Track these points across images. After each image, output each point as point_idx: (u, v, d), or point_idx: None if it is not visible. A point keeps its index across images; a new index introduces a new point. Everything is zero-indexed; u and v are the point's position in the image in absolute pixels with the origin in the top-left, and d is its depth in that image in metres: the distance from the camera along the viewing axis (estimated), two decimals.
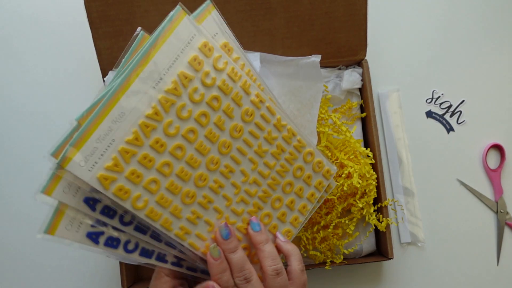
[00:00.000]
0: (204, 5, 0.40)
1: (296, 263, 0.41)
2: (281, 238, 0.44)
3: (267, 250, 0.40)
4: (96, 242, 0.37)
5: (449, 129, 0.66)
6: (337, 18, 0.56)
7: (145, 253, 0.39)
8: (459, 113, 0.66)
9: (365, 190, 0.56)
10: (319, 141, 0.55)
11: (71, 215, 0.36)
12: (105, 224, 0.37)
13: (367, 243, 0.60)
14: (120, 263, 0.56)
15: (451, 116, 0.66)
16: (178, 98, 0.37)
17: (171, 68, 0.36)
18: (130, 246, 0.39)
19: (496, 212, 0.64)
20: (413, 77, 0.67)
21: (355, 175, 0.54)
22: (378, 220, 0.57)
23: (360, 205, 0.55)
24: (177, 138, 0.37)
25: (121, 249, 0.38)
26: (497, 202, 0.64)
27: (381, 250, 0.60)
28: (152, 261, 0.40)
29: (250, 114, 0.41)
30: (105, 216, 0.37)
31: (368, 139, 0.61)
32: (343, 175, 0.54)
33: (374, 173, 0.56)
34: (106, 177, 0.34)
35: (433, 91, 0.66)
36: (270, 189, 0.43)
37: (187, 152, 0.38)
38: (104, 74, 0.56)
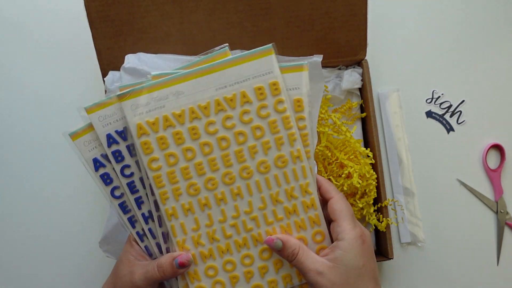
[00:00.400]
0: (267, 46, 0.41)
1: None
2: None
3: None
4: (96, 168, 0.42)
5: (449, 129, 0.66)
6: (337, 18, 0.56)
7: (124, 207, 0.43)
8: (459, 113, 0.66)
9: (365, 190, 0.56)
10: (319, 141, 0.55)
11: (93, 137, 0.41)
12: (108, 161, 0.42)
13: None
14: None
15: (451, 116, 0.66)
16: (230, 109, 0.41)
17: (237, 84, 0.40)
18: (117, 193, 0.42)
19: (496, 212, 0.64)
20: (413, 77, 0.67)
21: (355, 175, 0.54)
22: (378, 220, 0.57)
23: (360, 205, 0.55)
24: (210, 137, 0.41)
25: (109, 189, 0.42)
26: (497, 202, 0.64)
27: (381, 250, 0.60)
28: (124, 218, 0.43)
29: (283, 161, 0.42)
30: (113, 156, 0.41)
31: (368, 139, 0.61)
32: (343, 175, 0.54)
33: (374, 173, 0.56)
34: (141, 127, 0.40)
35: (433, 91, 0.66)
36: (261, 235, 0.42)
37: (212, 153, 0.41)
38: (104, 74, 0.56)
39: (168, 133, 0.40)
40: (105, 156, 0.42)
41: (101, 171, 0.42)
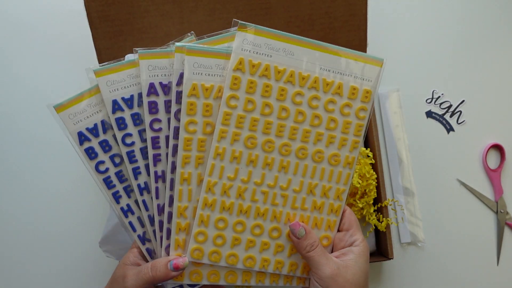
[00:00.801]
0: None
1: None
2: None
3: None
4: (80, 142, 0.41)
5: (449, 129, 0.66)
6: (337, 18, 0.56)
7: (108, 183, 0.42)
8: (459, 113, 0.66)
9: (365, 190, 0.56)
10: None
11: (78, 110, 0.41)
12: (94, 135, 0.41)
13: (367, 243, 0.60)
14: None
15: (451, 116, 0.66)
16: (321, 92, 0.41)
17: (340, 74, 0.42)
18: (101, 167, 0.42)
19: (496, 212, 0.64)
20: (413, 77, 0.67)
21: (355, 175, 0.54)
22: (378, 220, 0.57)
23: (360, 205, 0.55)
24: (292, 105, 0.41)
25: (93, 164, 0.42)
26: (497, 202, 0.64)
27: (381, 250, 0.60)
28: (109, 193, 0.42)
29: (335, 160, 0.43)
30: (117, 123, 0.41)
31: (368, 139, 0.61)
32: None
33: (374, 173, 0.56)
34: (241, 63, 0.40)
35: (433, 91, 0.66)
36: (281, 214, 0.43)
37: (285, 120, 0.41)
38: None
39: (260, 80, 0.40)
40: (91, 130, 0.41)
41: (86, 145, 0.41)
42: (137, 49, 0.41)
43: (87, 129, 0.41)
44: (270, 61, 0.40)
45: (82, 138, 0.41)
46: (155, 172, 0.42)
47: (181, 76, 0.40)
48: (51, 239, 0.64)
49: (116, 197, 0.43)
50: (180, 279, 0.42)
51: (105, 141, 0.42)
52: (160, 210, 0.42)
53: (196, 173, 0.41)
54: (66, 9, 0.66)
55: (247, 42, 0.40)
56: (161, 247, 0.43)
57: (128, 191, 0.43)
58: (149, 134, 0.41)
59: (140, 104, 0.42)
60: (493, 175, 0.64)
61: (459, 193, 0.65)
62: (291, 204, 0.42)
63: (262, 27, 0.40)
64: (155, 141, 0.42)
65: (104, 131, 0.41)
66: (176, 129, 0.41)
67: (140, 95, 0.42)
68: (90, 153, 0.42)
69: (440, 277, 0.63)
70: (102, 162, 0.42)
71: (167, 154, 0.42)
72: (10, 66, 0.66)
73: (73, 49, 0.66)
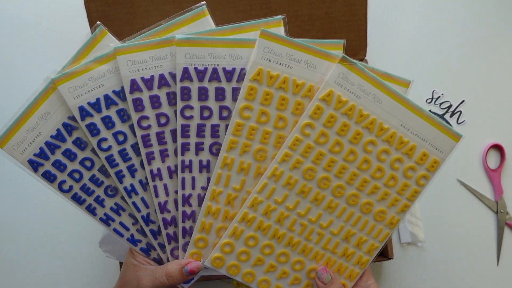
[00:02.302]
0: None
1: None
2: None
3: None
4: (35, 169, 0.40)
5: None
6: (337, 18, 0.56)
7: (78, 198, 0.41)
8: (459, 113, 0.66)
9: None
10: None
11: (21, 137, 0.39)
12: (45, 158, 0.40)
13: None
14: (120, 263, 0.56)
15: (451, 116, 0.66)
16: (390, 145, 0.40)
17: (416, 136, 0.41)
18: (65, 186, 0.41)
19: (496, 212, 0.64)
20: (413, 77, 0.66)
21: None
22: None
23: None
24: (352, 145, 0.40)
25: (56, 185, 0.41)
26: (497, 202, 0.64)
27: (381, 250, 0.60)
28: (82, 208, 0.42)
29: (380, 217, 0.42)
30: (76, 146, 0.41)
31: None
32: None
33: None
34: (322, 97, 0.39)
35: (433, 91, 0.66)
36: (311, 251, 0.43)
37: (338, 159, 0.41)
38: None
39: (341, 116, 0.39)
40: (39, 155, 0.40)
41: (41, 170, 0.40)
42: (51, 77, 0.39)
43: (35, 154, 0.40)
44: (357, 103, 0.39)
45: (34, 164, 0.40)
46: (151, 171, 0.41)
47: (186, 70, 0.39)
48: (51, 239, 0.64)
49: (91, 209, 0.42)
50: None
51: (58, 160, 0.40)
52: (163, 208, 0.42)
53: (239, 160, 0.40)
54: (66, 9, 0.66)
55: (342, 76, 0.39)
56: (169, 243, 0.42)
57: (100, 201, 0.42)
58: (138, 133, 0.40)
59: (108, 106, 0.40)
60: (493, 175, 0.64)
61: (459, 193, 0.65)
62: (322, 245, 0.42)
63: (361, 66, 0.39)
64: (146, 139, 0.40)
65: (52, 152, 0.40)
66: (184, 127, 0.40)
67: (106, 96, 0.40)
68: (48, 177, 0.41)
69: (440, 277, 0.63)
70: (64, 181, 0.41)
71: (160, 151, 0.40)
72: (10, 66, 0.66)
73: (73, 49, 0.66)
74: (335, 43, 0.40)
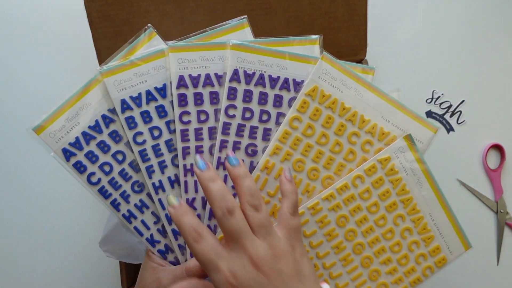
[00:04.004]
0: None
1: (286, 205, 0.37)
2: (286, 175, 0.38)
3: (245, 185, 0.35)
4: (67, 159, 0.41)
5: (449, 129, 0.66)
6: (337, 18, 0.56)
7: (104, 192, 0.42)
8: (459, 113, 0.66)
9: None
10: None
11: (57, 127, 0.40)
12: (78, 148, 0.41)
13: None
14: (120, 263, 0.56)
15: (451, 116, 0.66)
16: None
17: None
18: (93, 179, 0.42)
19: (496, 212, 0.64)
20: (413, 77, 0.67)
21: None
22: None
23: None
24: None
25: (84, 177, 0.42)
26: (497, 202, 0.64)
27: None
28: (107, 203, 0.42)
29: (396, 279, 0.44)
30: (111, 138, 0.42)
31: None
32: None
33: None
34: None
35: (433, 91, 0.66)
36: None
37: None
38: None
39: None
40: (73, 144, 0.41)
41: (73, 160, 0.41)
42: (99, 70, 0.41)
43: (70, 144, 0.41)
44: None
45: (67, 154, 0.41)
46: (184, 166, 0.42)
47: (235, 72, 0.41)
48: (51, 239, 0.64)
49: (115, 205, 0.43)
50: None
51: (91, 151, 0.41)
52: (189, 205, 0.42)
53: (279, 166, 0.42)
54: (66, 9, 0.66)
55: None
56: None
57: (125, 196, 0.43)
58: (178, 127, 0.42)
59: (148, 101, 0.42)
60: (493, 175, 0.64)
61: (459, 193, 0.65)
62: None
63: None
64: (184, 134, 0.42)
65: (87, 142, 0.41)
66: (226, 124, 0.42)
67: (147, 92, 0.42)
68: (79, 167, 0.41)
69: (440, 277, 0.63)
70: (93, 173, 0.42)
71: (196, 147, 0.42)
72: (9, 67, 0.66)
73: (73, 49, 0.66)
74: (310, 39, 0.44)
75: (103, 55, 0.55)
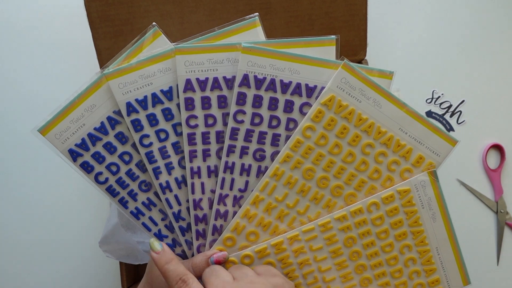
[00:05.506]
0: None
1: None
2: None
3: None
4: (74, 159, 0.41)
5: (449, 129, 0.66)
6: (337, 18, 0.56)
7: (112, 191, 0.42)
8: (459, 113, 0.66)
9: None
10: None
11: (62, 128, 0.41)
12: (84, 149, 0.41)
13: None
14: (120, 263, 0.56)
15: (451, 116, 0.66)
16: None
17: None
18: (101, 178, 0.42)
19: (496, 212, 0.64)
20: (413, 77, 0.67)
21: None
22: None
23: None
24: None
25: (92, 176, 0.42)
26: (497, 202, 0.64)
27: None
28: (115, 200, 0.43)
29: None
30: (118, 139, 0.42)
31: None
32: None
33: None
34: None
35: (433, 91, 0.66)
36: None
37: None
38: None
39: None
40: (80, 145, 0.41)
41: (80, 160, 0.41)
42: (103, 72, 0.40)
43: (76, 145, 0.41)
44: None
45: (74, 154, 0.41)
46: (191, 168, 0.42)
47: (245, 77, 0.40)
48: (51, 239, 0.64)
49: (123, 202, 0.43)
50: None
51: (97, 152, 0.42)
52: (196, 205, 0.43)
53: (288, 174, 0.41)
54: (66, 9, 0.66)
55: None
56: (197, 239, 0.43)
57: (133, 195, 0.43)
58: (185, 131, 0.41)
59: (154, 104, 0.41)
60: (493, 175, 0.64)
61: (459, 193, 0.65)
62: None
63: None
64: (191, 138, 0.42)
65: (93, 144, 0.42)
66: (234, 130, 0.41)
67: (153, 95, 0.41)
68: (86, 167, 0.42)
69: None
70: (100, 173, 0.42)
71: (202, 150, 0.42)
72: (9, 67, 0.66)
73: (73, 49, 0.66)
74: (328, 39, 0.42)
75: (103, 55, 0.55)
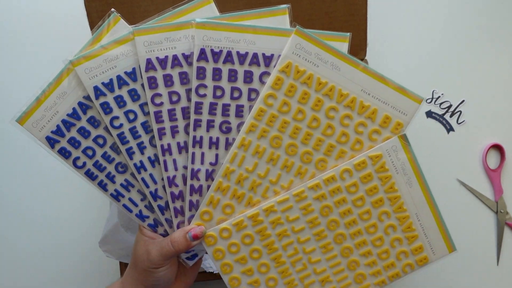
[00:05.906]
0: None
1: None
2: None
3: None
4: (52, 146, 0.43)
5: (449, 129, 0.66)
6: (337, 18, 0.56)
7: (91, 175, 0.44)
8: (459, 113, 0.66)
9: None
10: None
11: (38, 117, 0.42)
12: (60, 135, 0.43)
13: None
14: (120, 263, 0.56)
15: (451, 116, 0.66)
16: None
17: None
18: (79, 163, 0.43)
19: (496, 212, 0.64)
20: (413, 77, 0.67)
21: None
22: None
23: None
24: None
25: (71, 161, 0.43)
26: (497, 202, 0.64)
27: None
28: (95, 183, 0.44)
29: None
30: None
31: None
32: None
33: None
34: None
35: (433, 91, 0.66)
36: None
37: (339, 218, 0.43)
38: None
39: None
40: (55, 132, 0.43)
41: (57, 146, 0.43)
42: (69, 58, 0.42)
43: (52, 132, 0.43)
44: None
45: (51, 141, 0.43)
46: (162, 146, 0.43)
47: (202, 51, 0.41)
48: (51, 239, 0.64)
49: (102, 185, 0.44)
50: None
51: (73, 138, 0.43)
52: (171, 182, 0.44)
53: (256, 143, 0.42)
54: (66, 9, 0.66)
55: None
56: (175, 217, 0.44)
57: (111, 177, 0.44)
58: (151, 109, 0.42)
59: (120, 86, 0.42)
60: (493, 175, 0.64)
61: (459, 193, 0.65)
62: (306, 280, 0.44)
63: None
64: (158, 116, 0.42)
65: (68, 129, 0.43)
66: (197, 104, 0.42)
67: (118, 77, 0.42)
68: (64, 153, 0.43)
69: (440, 277, 0.63)
70: (78, 158, 0.43)
71: (171, 127, 0.43)
72: (9, 67, 0.66)
73: (73, 49, 0.66)
74: (279, 9, 0.43)
75: None
